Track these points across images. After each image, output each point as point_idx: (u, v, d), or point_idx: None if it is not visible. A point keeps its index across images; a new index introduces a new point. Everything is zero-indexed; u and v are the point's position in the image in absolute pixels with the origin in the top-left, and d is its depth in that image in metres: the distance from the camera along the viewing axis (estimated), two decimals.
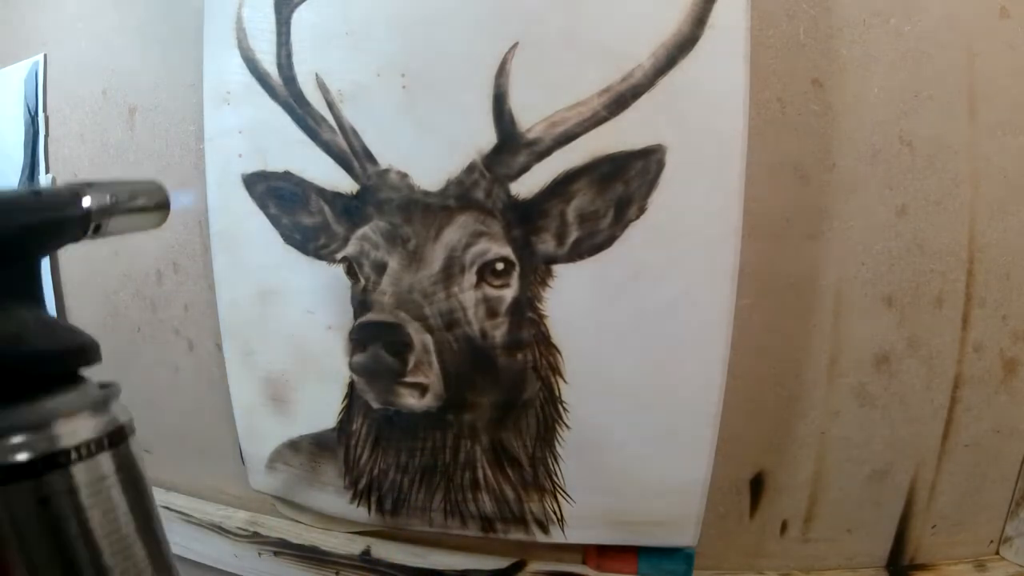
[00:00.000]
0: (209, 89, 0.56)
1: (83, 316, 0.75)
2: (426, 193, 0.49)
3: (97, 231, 0.28)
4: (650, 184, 0.45)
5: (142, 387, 0.72)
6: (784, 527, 0.54)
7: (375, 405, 0.54)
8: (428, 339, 0.50)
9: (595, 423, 0.50)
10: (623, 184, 0.46)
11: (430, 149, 0.49)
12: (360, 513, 0.57)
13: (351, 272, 0.53)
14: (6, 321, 0.25)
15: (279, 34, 0.52)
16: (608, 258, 0.47)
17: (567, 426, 0.50)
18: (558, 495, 0.52)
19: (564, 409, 0.50)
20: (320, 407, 0.57)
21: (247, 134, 0.55)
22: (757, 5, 0.44)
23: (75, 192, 0.27)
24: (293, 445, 0.59)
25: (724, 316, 0.46)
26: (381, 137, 0.50)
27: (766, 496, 0.54)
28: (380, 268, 0.51)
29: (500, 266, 0.49)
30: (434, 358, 0.51)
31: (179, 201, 0.36)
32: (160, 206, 0.32)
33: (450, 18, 0.47)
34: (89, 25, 0.69)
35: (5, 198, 0.25)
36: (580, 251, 0.47)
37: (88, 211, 0.27)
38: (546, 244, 0.48)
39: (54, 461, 0.24)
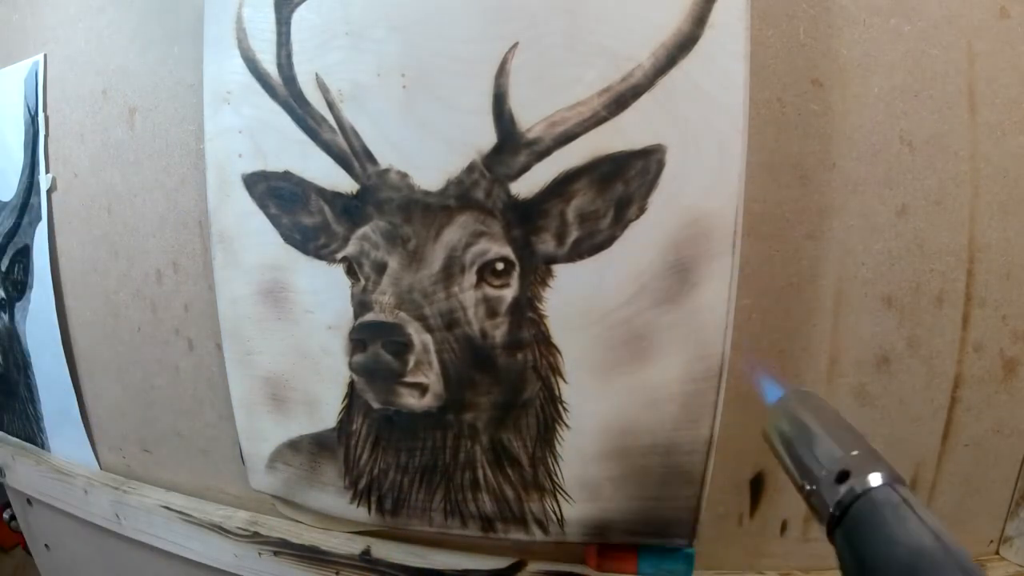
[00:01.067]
0: (209, 89, 0.56)
1: (83, 316, 0.75)
2: (426, 193, 0.49)
3: None
4: (650, 184, 0.45)
5: (142, 387, 0.72)
6: (784, 527, 0.54)
7: (375, 405, 0.54)
8: (428, 339, 0.50)
9: (595, 423, 0.50)
10: (623, 184, 0.46)
11: (430, 149, 0.49)
12: (360, 513, 0.57)
13: (351, 272, 0.53)
14: None
15: (279, 34, 0.52)
16: (608, 258, 0.47)
17: (567, 426, 0.50)
18: (558, 495, 0.52)
19: (564, 409, 0.50)
20: (320, 407, 0.57)
21: (247, 134, 0.55)
22: (757, 5, 0.44)
23: None
24: (293, 445, 0.59)
25: (724, 316, 0.46)
26: (381, 137, 0.50)
27: (766, 496, 0.54)
28: (380, 268, 0.51)
29: (500, 266, 0.49)
30: (434, 358, 0.51)
31: None
32: None
33: (450, 18, 0.47)
34: (89, 25, 0.69)
35: None
36: (580, 251, 0.47)
37: None
38: (546, 244, 0.48)
39: None
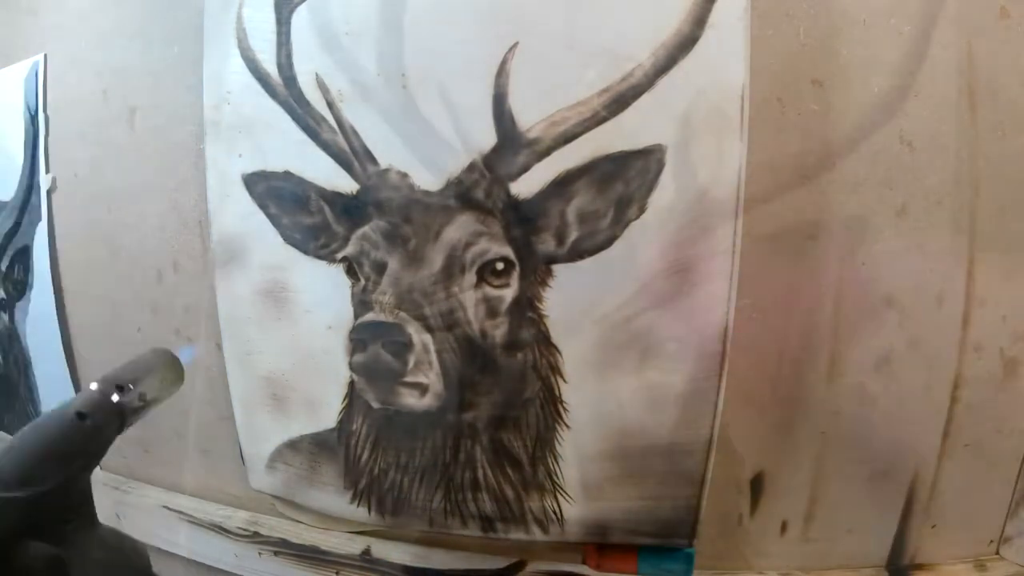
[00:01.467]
0: (209, 89, 0.56)
1: (83, 316, 0.75)
2: (426, 193, 0.49)
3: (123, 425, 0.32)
4: (650, 184, 0.45)
5: None
6: (784, 527, 0.54)
7: (375, 405, 0.54)
8: (428, 339, 0.50)
9: (595, 423, 0.50)
10: (623, 184, 0.46)
11: (430, 149, 0.49)
12: (360, 513, 0.57)
13: (351, 272, 0.53)
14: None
15: (279, 34, 0.52)
16: (608, 258, 0.47)
17: (567, 426, 0.50)
18: (558, 495, 0.52)
19: (564, 409, 0.50)
20: (320, 407, 0.57)
21: (247, 134, 0.55)
22: (757, 5, 0.44)
23: (116, 411, 0.31)
24: (293, 445, 0.59)
25: (724, 316, 0.46)
26: (381, 137, 0.50)
27: (766, 496, 0.54)
28: (380, 268, 0.51)
29: (500, 266, 0.49)
30: (434, 358, 0.51)
31: (185, 357, 0.41)
32: (176, 380, 0.37)
33: (450, 18, 0.47)
34: (89, 25, 0.69)
35: (52, 436, 0.28)
36: (580, 251, 0.47)
37: (124, 420, 0.32)
38: (546, 244, 0.48)
39: None
